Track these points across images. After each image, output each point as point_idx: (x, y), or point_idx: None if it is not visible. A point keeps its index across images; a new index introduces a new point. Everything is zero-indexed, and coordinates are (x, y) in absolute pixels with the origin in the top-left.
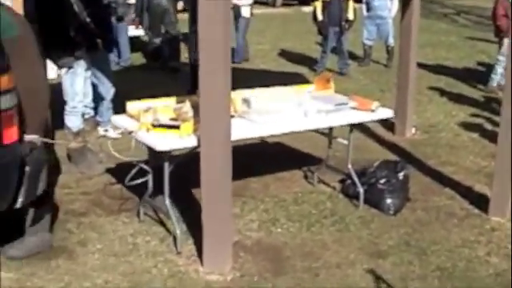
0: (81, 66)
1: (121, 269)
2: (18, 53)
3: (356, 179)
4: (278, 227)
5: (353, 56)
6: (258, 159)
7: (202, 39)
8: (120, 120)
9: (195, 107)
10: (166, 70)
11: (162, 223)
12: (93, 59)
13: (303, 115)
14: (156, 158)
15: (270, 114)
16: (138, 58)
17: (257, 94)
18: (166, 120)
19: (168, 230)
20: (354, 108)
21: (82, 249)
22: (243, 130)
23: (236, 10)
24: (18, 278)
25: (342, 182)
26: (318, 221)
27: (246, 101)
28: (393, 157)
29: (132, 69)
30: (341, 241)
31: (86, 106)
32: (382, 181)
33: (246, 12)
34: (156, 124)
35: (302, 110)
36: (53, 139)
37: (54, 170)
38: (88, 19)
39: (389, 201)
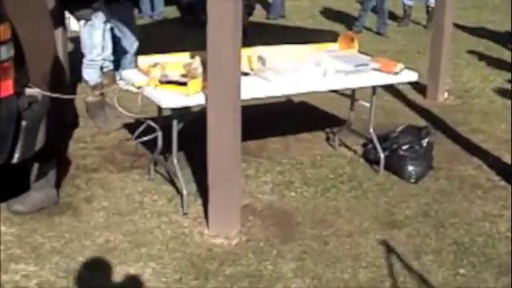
0: (99, 19)
1: (124, 228)
2: (20, 3)
3: (377, 144)
4: (292, 191)
5: (392, 16)
6: (281, 118)
7: None
8: (130, 74)
9: (206, 63)
10: (200, 24)
11: (172, 182)
12: (116, 11)
13: (321, 75)
14: (165, 115)
15: (286, 72)
16: (173, 12)
17: (274, 52)
18: (174, 76)
19: (177, 190)
20: (376, 69)
21: (88, 206)
22: (256, 88)
23: None
24: (19, 234)
25: (364, 145)
26: (334, 186)
27: (260, 58)
28: (421, 122)
29: (165, 22)
30: (356, 208)
31: (104, 60)
32: (405, 147)
33: None
34: (163, 80)
35: (321, 69)
36: (69, 93)
37: (69, 124)
38: None
39: (410, 168)
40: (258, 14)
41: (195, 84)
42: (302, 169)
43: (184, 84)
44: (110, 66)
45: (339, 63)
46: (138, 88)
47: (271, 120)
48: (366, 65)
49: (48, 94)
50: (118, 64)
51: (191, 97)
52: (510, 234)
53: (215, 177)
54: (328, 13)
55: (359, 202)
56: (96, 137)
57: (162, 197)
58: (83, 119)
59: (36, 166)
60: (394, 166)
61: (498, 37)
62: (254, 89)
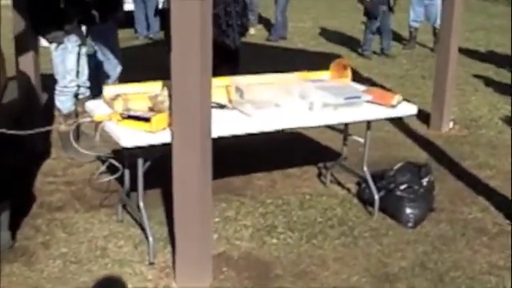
0: (72, 42)
1: (80, 280)
2: None
3: (371, 184)
4: (274, 237)
5: (398, 38)
6: (269, 150)
7: (173, 11)
8: (93, 106)
9: None
10: None
11: (141, 225)
12: (97, 33)
13: (307, 109)
14: (131, 152)
15: (266, 106)
16: None
17: (255, 81)
18: (139, 110)
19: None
20: (370, 102)
21: (44, 252)
22: (232, 124)
23: None
24: None
25: (358, 184)
26: (322, 231)
27: (238, 89)
28: (423, 155)
29: (161, 42)
30: (344, 258)
31: (79, 86)
32: (403, 187)
33: None
34: (125, 115)
35: (306, 102)
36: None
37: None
38: None
39: (408, 211)
40: (260, 35)
41: (160, 120)
42: (287, 210)
43: (147, 120)
44: (85, 92)
45: (327, 95)
46: (99, 122)
47: (258, 152)
48: (358, 97)
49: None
50: (100, 90)
51: (156, 134)
52: None
53: (182, 224)
54: (331, 34)
55: (349, 251)
56: (67, 170)
57: (129, 242)
58: (56, 150)
59: None
60: (390, 208)
61: (508, 61)
62: (228, 124)
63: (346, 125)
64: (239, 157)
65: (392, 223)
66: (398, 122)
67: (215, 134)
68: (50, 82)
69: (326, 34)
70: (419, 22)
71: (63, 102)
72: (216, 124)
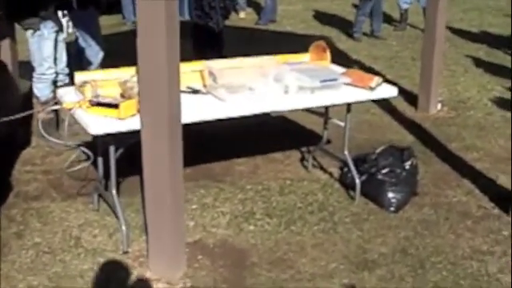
0: (48, 28)
1: (51, 271)
2: None
3: (352, 167)
4: (252, 224)
5: (388, 19)
6: (251, 136)
7: None
8: (64, 93)
9: None
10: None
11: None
12: (79, 19)
13: (283, 92)
14: (103, 140)
15: (240, 90)
16: None
17: (229, 65)
18: (108, 97)
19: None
20: (348, 84)
21: (17, 242)
22: (207, 109)
23: None
24: None
25: (341, 168)
26: (301, 217)
27: (211, 74)
28: (409, 137)
29: None
30: (323, 245)
31: (58, 73)
32: (384, 171)
33: None
34: (93, 102)
35: (281, 86)
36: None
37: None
38: None
39: (390, 195)
40: (249, 19)
41: (128, 106)
42: (267, 196)
43: (115, 106)
44: (65, 79)
45: (303, 78)
46: (69, 109)
47: (240, 136)
48: (334, 80)
49: None
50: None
51: (125, 121)
52: (500, 276)
53: (154, 213)
54: (321, 17)
55: (328, 237)
56: (46, 158)
57: (104, 231)
58: (36, 138)
59: None
60: (372, 193)
61: (500, 41)
62: (201, 110)
63: (327, 108)
64: (221, 142)
65: (374, 208)
66: (384, 104)
67: (187, 119)
68: (29, 69)
69: (316, 16)
70: (409, 2)
71: (41, 90)
72: (189, 109)
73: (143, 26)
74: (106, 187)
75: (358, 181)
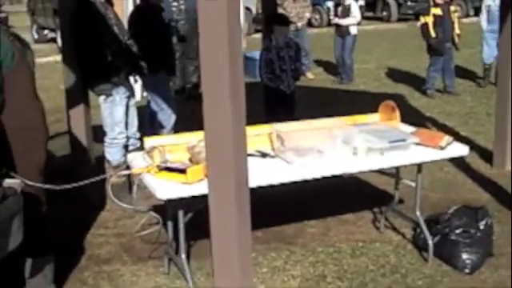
0: (120, 94)
1: None
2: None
3: (424, 228)
4: (323, 287)
5: (460, 74)
6: (323, 197)
7: (203, 59)
8: (134, 158)
9: None
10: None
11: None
12: (151, 83)
13: (351, 154)
14: (171, 204)
15: (309, 153)
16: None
17: (296, 128)
18: (176, 162)
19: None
20: (418, 144)
21: None
22: (275, 173)
23: (342, 27)
24: None
25: (414, 229)
26: (373, 280)
27: (279, 137)
28: (484, 196)
29: None
30: None
31: (129, 137)
32: (458, 231)
33: (353, 29)
34: (162, 167)
35: (350, 148)
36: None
37: (95, 207)
38: (130, 41)
39: (464, 256)
40: (318, 79)
41: (196, 171)
42: (338, 259)
43: (183, 171)
44: (136, 143)
45: (372, 139)
46: (138, 174)
47: (310, 198)
48: (403, 140)
49: (30, 183)
50: None
51: (191, 186)
52: None
53: (222, 278)
54: (395, 74)
55: None
56: (119, 221)
57: None
58: (110, 202)
59: (29, 262)
60: (446, 254)
61: None
62: (270, 173)
63: (397, 168)
64: (293, 204)
65: (448, 269)
66: (459, 162)
67: (255, 183)
68: (102, 133)
69: (390, 74)
70: (494, 56)
71: (112, 154)
72: (257, 173)
73: (208, 90)
74: (177, 251)
75: (430, 242)
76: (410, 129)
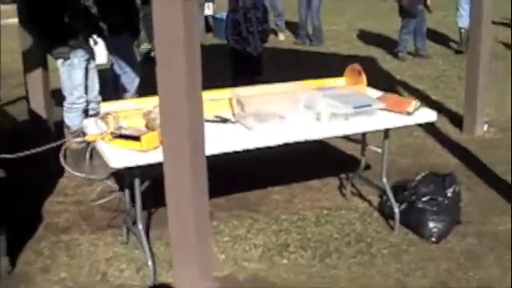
0: (78, 57)
1: None
2: None
3: (391, 196)
4: (285, 257)
5: (432, 37)
6: (288, 162)
7: (155, 16)
8: (89, 124)
9: None
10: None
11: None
12: (113, 46)
13: (313, 120)
14: (127, 172)
15: (270, 118)
16: (209, 39)
17: (257, 93)
18: (130, 128)
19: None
20: (384, 109)
21: (43, 277)
22: (235, 139)
23: None
24: None
25: (381, 196)
26: (337, 249)
27: (239, 102)
28: (453, 161)
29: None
30: (359, 279)
31: (89, 102)
32: (425, 199)
33: None
34: (115, 134)
35: (313, 113)
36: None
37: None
38: (89, 2)
39: (431, 224)
40: (288, 41)
41: (150, 138)
42: (302, 227)
43: (137, 138)
44: (97, 108)
45: (336, 104)
46: (88, 144)
47: (275, 164)
48: (369, 105)
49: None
50: None
51: (147, 154)
52: None
53: (178, 247)
54: (366, 36)
55: (365, 271)
56: (79, 189)
57: (131, 265)
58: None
59: None
60: (413, 222)
61: None
62: (229, 140)
63: (364, 134)
64: (256, 169)
65: (414, 238)
66: (428, 126)
67: (214, 150)
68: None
69: (361, 36)
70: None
71: (71, 119)
72: (216, 139)
73: (161, 51)
74: (135, 220)
75: (396, 210)
76: (376, 93)
